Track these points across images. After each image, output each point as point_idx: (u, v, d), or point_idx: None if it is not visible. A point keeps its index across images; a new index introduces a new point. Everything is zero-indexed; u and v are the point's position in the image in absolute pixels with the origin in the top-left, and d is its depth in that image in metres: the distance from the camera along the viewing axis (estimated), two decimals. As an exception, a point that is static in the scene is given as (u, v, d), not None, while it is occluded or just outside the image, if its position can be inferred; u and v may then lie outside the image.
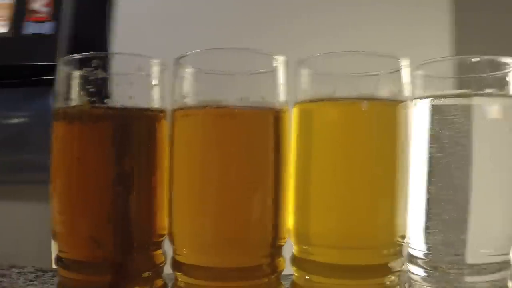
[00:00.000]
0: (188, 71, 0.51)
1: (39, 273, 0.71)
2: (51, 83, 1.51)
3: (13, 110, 1.59)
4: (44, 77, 1.55)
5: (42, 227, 1.54)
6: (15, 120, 1.60)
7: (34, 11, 1.57)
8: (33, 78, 1.56)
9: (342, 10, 1.47)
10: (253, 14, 1.53)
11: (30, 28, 1.58)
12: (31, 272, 0.72)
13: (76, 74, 0.52)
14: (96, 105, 0.50)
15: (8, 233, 1.57)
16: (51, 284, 0.66)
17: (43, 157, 1.52)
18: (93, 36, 1.78)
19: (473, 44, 1.39)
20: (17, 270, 0.72)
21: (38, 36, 1.58)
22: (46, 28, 1.57)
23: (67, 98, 0.52)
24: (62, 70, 0.53)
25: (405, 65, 0.52)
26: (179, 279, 0.51)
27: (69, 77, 0.53)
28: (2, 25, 1.56)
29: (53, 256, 1.51)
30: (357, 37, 1.38)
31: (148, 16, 1.60)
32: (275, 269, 0.51)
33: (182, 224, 0.51)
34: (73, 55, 0.53)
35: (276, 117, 0.51)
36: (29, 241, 1.56)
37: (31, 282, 0.66)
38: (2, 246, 1.58)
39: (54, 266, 1.47)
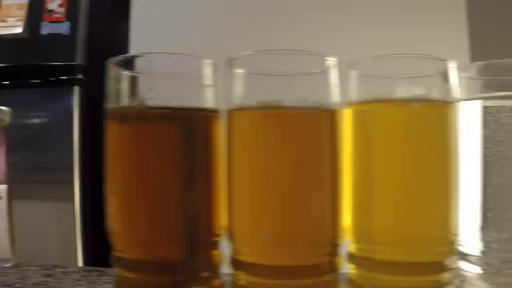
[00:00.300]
0: (243, 72, 0.51)
1: (84, 273, 0.71)
2: (70, 83, 1.53)
3: (34, 110, 1.60)
4: (63, 77, 1.56)
5: (63, 226, 1.55)
6: (36, 120, 1.60)
7: (51, 11, 1.57)
8: (50, 79, 1.56)
9: (364, 12, 1.48)
10: (273, 15, 1.54)
11: (47, 29, 1.58)
12: (76, 272, 0.72)
13: (129, 74, 0.53)
14: (155, 105, 0.50)
15: (30, 232, 1.57)
16: (99, 284, 0.66)
17: (63, 157, 1.54)
18: (111, 35, 1.79)
19: (486, 45, 1.40)
20: (61, 270, 0.72)
21: (55, 37, 1.59)
22: (62, 28, 1.58)
23: (120, 98, 0.52)
24: (112, 70, 0.53)
25: (453, 67, 0.52)
26: (239, 277, 0.52)
27: (120, 78, 0.53)
28: (18, 26, 1.56)
29: (80, 254, 1.51)
30: (374, 39, 1.39)
31: (167, 15, 1.60)
32: (334, 268, 0.51)
33: (243, 223, 0.52)
34: (123, 55, 0.53)
35: (332, 117, 0.51)
36: (51, 240, 1.56)
37: (78, 282, 0.66)
38: (24, 245, 1.58)
39: (80, 264, 1.47)
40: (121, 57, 0.53)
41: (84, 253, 1.56)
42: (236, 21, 1.56)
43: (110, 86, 0.53)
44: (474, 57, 1.39)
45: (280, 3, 1.55)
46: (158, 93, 0.50)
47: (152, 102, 0.50)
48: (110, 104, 0.53)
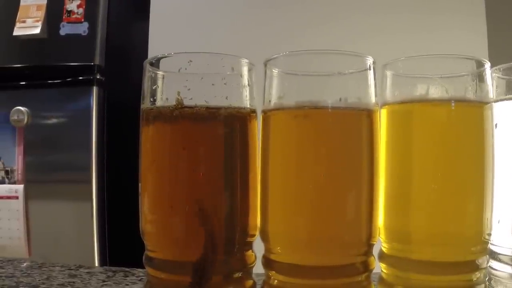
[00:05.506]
0: (281, 72, 0.51)
1: (110, 273, 0.71)
2: (88, 83, 1.53)
3: (52, 110, 1.60)
4: (81, 78, 1.57)
5: (81, 226, 1.56)
6: (54, 120, 1.61)
7: (69, 12, 1.58)
8: (69, 79, 1.57)
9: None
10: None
11: (66, 29, 1.59)
12: (101, 272, 0.72)
13: (166, 73, 0.52)
14: (193, 104, 0.50)
15: (47, 233, 1.58)
16: (125, 285, 0.65)
17: (81, 157, 1.54)
18: (130, 36, 1.79)
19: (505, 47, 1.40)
20: (86, 271, 0.72)
21: (74, 37, 1.59)
22: (81, 29, 1.58)
23: (157, 98, 0.52)
24: (149, 70, 0.53)
25: (488, 67, 0.52)
26: (272, 277, 0.52)
27: (156, 77, 0.52)
28: (37, 26, 1.57)
29: (96, 254, 1.50)
30: (396, 42, 1.39)
31: (186, 15, 1.60)
32: (367, 268, 0.51)
33: (277, 223, 0.52)
34: (160, 55, 0.53)
35: (370, 117, 0.51)
36: (68, 240, 1.57)
37: (105, 283, 0.66)
38: (41, 245, 1.59)
39: (96, 264, 1.47)
40: (156, 57, 0.53)
41: (101, 253, 1.56)
42: (256, 21, 1.56)
43: (147, 87, 0.53)
44: (493, 59, 1.39)
45: (289, 6, 1.54)
46: (196, 92, 0.49)
47: (190, 102, 0.49)
48: (146, 104, 0.53)
